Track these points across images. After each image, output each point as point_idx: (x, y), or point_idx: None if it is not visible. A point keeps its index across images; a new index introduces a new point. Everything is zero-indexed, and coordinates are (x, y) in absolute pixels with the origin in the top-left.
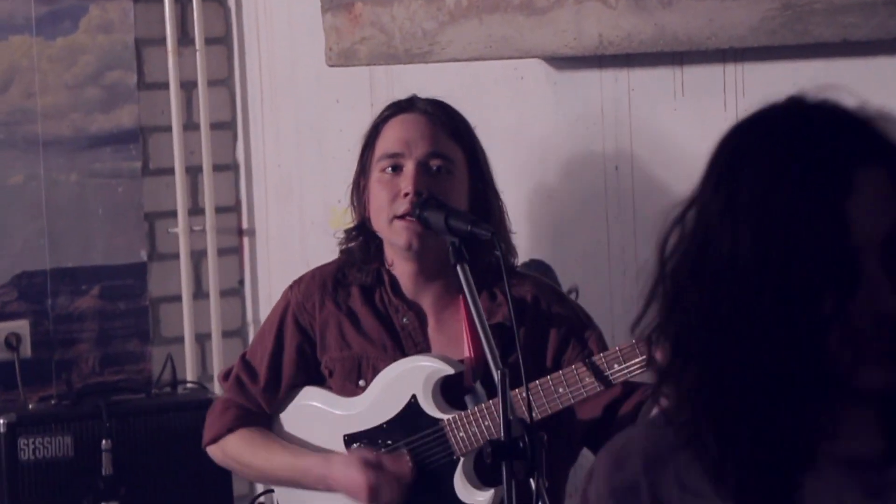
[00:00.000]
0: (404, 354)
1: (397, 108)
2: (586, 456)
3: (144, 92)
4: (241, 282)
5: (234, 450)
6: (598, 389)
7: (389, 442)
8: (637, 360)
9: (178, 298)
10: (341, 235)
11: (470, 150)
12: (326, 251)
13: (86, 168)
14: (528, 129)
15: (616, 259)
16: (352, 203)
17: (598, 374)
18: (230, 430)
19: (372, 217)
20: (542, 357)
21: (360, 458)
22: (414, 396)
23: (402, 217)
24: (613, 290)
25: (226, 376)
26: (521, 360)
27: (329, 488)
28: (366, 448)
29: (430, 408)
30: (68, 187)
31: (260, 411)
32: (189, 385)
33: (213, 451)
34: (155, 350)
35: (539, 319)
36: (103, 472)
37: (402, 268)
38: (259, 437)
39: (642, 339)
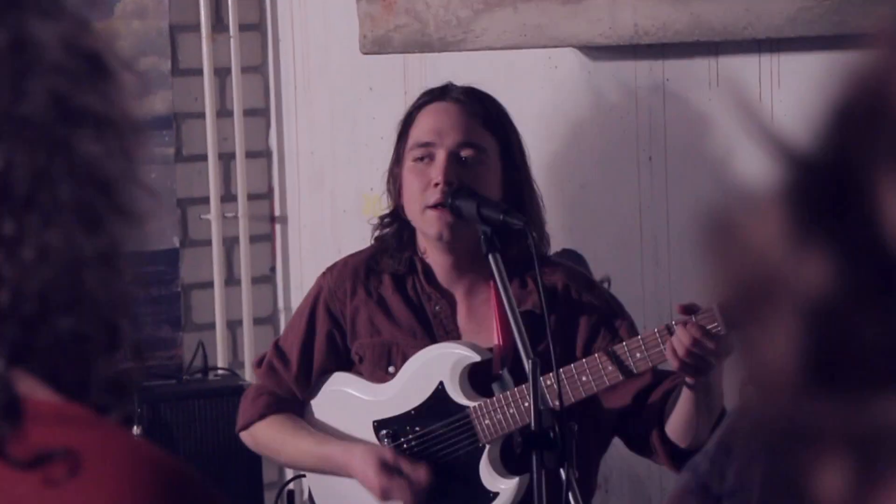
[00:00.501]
0: (434, 342)
1: (431, 96)
2: (616, 445)
3: (178, 78)
4: (273, 269)
5: (265, 437)
6: (620, 378)
7: (417, 428)
8: (659, 348)
9: (210, 285)
10: (375, 222)
11: (503, 138)
12: (358, 239)
13: None
14: (562, 118)
15: (648, 249)
16: (388, 190)
17: (619, 362)
18: (261, 417)
19: (405, 205)
20: (571, 345)
21: (379, 460)
22: (441, 383)
23: (433, 207)
24: (645, 280)
25: (259, 363)
26: (551, 348)
27: (351, 476)
28: (391, 449)
29: (456, 394)
30: None
31: (292, 398)
32: (220, 372)
33: (246, 438)
34: (186, 336)
35: (570, 308)
36: None
37: (434, 257)
38: (288, 423)
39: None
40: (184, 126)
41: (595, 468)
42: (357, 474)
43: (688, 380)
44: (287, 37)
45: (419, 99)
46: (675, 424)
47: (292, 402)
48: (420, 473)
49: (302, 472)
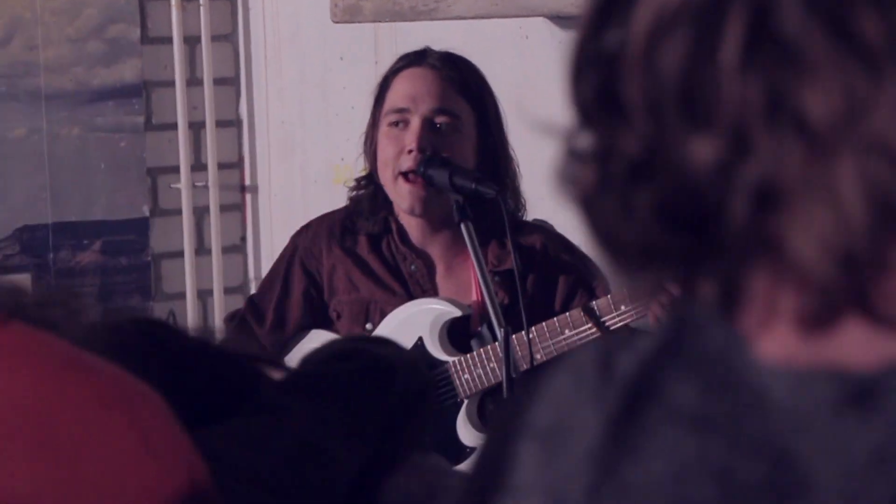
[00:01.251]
0: (412, 299)
1: (408, 61)
2: None
3: (147, 46)
4: (244, 238)
5: None
6: (608, 328)
7: None
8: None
9: (181, 254)
10: (352, 184)
11: (480, 105)
12: (328, 208)
13: (88, 122)
14: (533, 88)
15: None
16: (364, 153)
17: (604, 315)
18: None
19: (378, 171)
20: (551, 304)
21: None
22: (420, 339)
23: (406, 176)
24: None
25: (231, 318)
26: (522, 306)
27: None
28: None
29: (436, 350)
30: (70, 141)
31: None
32: None
33: None
34: (157, 306)
35: (548, 267)
36: None
37: (408, 219)
38: None
39: None
40: (154, 94)
41: None
42: None
43: None
44: (257, 5)
45: (396, 62)
46: None
47: None
48: None
49: None
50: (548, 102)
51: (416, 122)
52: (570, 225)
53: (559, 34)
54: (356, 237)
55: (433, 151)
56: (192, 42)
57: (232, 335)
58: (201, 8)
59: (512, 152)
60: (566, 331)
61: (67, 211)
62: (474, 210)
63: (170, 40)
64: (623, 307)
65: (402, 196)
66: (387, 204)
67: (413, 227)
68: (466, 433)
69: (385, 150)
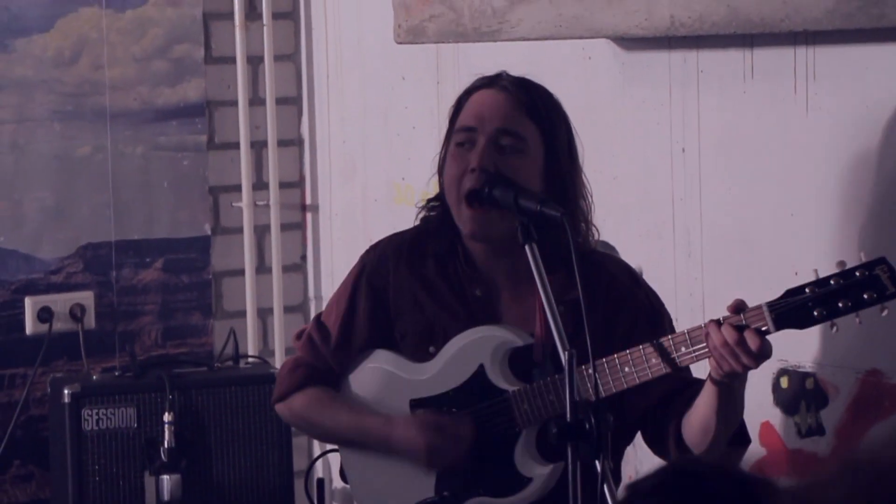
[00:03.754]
0: (476, 324)
1: (481, 83)
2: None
3: (211, 66)
4: (304, 257)
5: (301, 408)
6: (664, 371)
7: (454, 409)
8: (704, 344)
9: (241, 273)
10: (422, 203)
11: (549, 130)
12: (389, 228)
13: (151, 141)
14: (595, 109)
15: (681, 241)
16: (438, 172)
17: (664, 355)
18: (298, 388)
19: (445, 190)
20: (612, 337)
21: (422, 420)
22: (482, 366)
23: (469, 203)
24: (678, 271)
25: (299, 336)
26: (588, 337)
27: (390, 449)
28: (429, 412)
29: (496, 378)
30: (134, 160)
31: (329, 371)
32: (251, 359)
33: (281, 410)
34: (217, 324)
35: (613, 300)
36: (165, 445)
37: (473, 243)
38: (326, 395)
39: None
40: (216, 114)
41: (620, 459)
42: (400, 442)
43: (714, 380)
44: (320, 25)
45: (471, 84)
46: (692, 426)
47: (329, 375)
48: (464, 427)
49: (330, 449)
50: (610, 124)
51: (481, 142)
52: (631, 245)
53: (622, 56)
54: (424, 258)
55: (496, 171)
56: (255, 62)
57: (300, 354)
58: (264, 28)
59: (586, 181)
60: (626, 368)
61: (130, 229)
62: (541, 235)
63: (233, 60)
64: (683, 349)
65: (463, 221)
66: (455, 226)
67: (478, 250)
68: (524, 463)
69: (451, 168)
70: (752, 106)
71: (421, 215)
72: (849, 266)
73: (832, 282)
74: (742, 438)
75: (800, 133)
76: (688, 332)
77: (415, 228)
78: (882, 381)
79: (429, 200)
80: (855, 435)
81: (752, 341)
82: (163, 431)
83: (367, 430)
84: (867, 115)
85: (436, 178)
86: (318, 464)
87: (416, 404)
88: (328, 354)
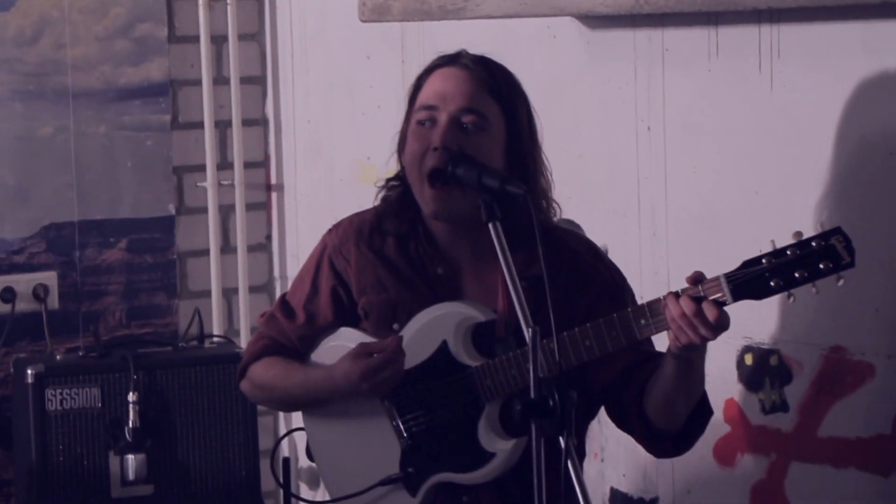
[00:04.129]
0: (439, 302)
1: (442, 61)
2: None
3: (175, 45)
4: (269, 237)
5: (258, 376)
6: (624, 343)
7: (419, 386)
8: (663, 316)
9: (206, 253)
10: (381, 183)
11: (510, 109)
12: (354, 207)
13: (115, 121)
14: (560, 87)
15: (646, 219)
16: (397, 152)
17: (624, 328)
18: (257, 358)
19: (406, 169)
20: (574, 312)
21: (351, 353)
22: (445, 342)
23: (432, 182)
24: (643, 250)
25: (263, 314)
26: (551, 312)
27: (340, 393)
28: (357, 343)
29: (459, 354)
30: (97, 139)
31: (292, 346)
32: (216, 339)
33: (244, 386)
34: (182, 304)
35: (575, 276)
36: (130, 424)
37: (435, 222)
38: (281, 361)
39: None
40: (180, 93)
41: (584, 434)
42: (341, 381)
43: (673, 353)
44: (284, 4)
45: (431, 63)
46: (653, 400)
47: (291, 349)
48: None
49: (297, 428)
50: (575, 102)
51: (443, 120)
52: (596, 224)
53: (587, 34)
54: (385, 238)
55: (459, 150)
56: (219, 41)
57: (263, 330)
58: (228, 7)
59: (545, 159)
60: (587, 341)
61: (94, 209)
62: (503, 212)
63: (197, 39)
64: (643, 321)
65: (426, 201)
66: (415, 205)
67: (440, 229)
68: (487, 438)
69: (412, 147)
70: (717, 84)
71: (380, 195)
72: (805, 237)
73: (788, 252)
74: (704, 410)
75: (764, 110)
76: (647, 305)
77: (375, 208)
78: (845, 358)
79: (388, 180)
80: (819, 411)
81: (709, 312)
82: (127, 411)
83: (316, 385)
84: (831, 92)
85: (395, 156)
86: (284, 443)
87: None
88: (292, 333)
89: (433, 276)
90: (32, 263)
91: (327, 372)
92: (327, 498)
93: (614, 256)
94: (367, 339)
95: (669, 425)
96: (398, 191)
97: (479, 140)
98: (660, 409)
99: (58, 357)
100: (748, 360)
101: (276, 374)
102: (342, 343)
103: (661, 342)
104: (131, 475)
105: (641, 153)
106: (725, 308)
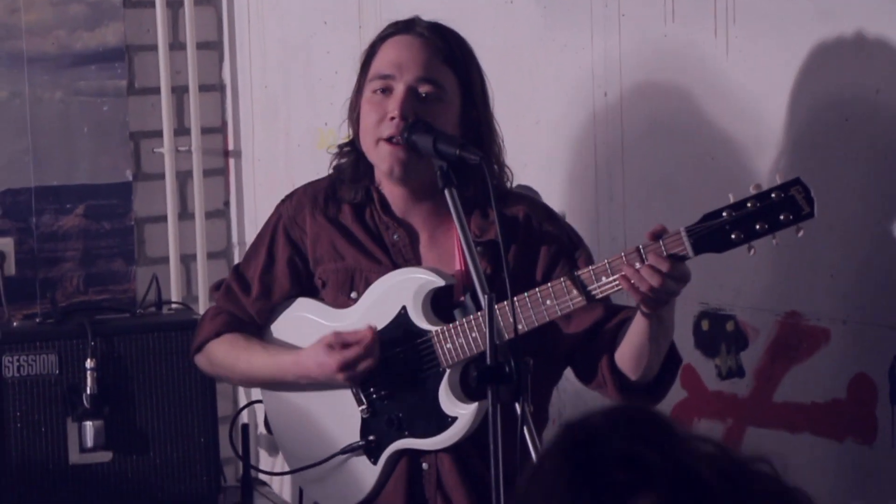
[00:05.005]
0: (396, 268)
1: (396, 29)
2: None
3: (130, 10)
4: (227, 203)
5: (218, 354)
6: (584, 302)
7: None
8: (623, 273)
9: (164, 219)
10: (335, 151)
11: (465, 78)
12: (312, 173)
13: (70, 86)
14: (517, 53)
15: (603, 184)
16: (348, 118)
17: (584, 286)
18: (217, 335)
19: (360, 136)
20: (532, 274)
21: (324, 343)
22: (404, 308)
23: (388, 140)
24: (600, 215)
25: (217, 287)
26: (507, 275)
27: (308, 380)
28: (330, 332)
29: (419, 319)
30: (53, 105)
31: (251, 321)
32: (174, 305)
33: (199, 360)
34: (140, 270)
35: (530, 238)
36: (87, 391)
37: (389, 188)
38: (242, 340)
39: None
40: (136, 58)
41: (547, 400)
42: (313, 370)
43: (643, 310)
44: None
45: (384, 30)
46: (626, 355)
47: (249, 324)
48: (363, 332)
49: (256, 400)
50: (532, 68)
51: (399, 90)
52: (554, 192)
53: (543, 0)
54: (339, 206)
55: (416, 119)
56: (174, 6)
57: (220, 304)
58: None
59: (497, 127)
60: (547, 301)
61: (50, 175)
62: (458, 178)
63: (152, 4)
64: (604, 278)
65: (381, 158)
66: (369, 172)
67: (395, 196)
68: (448, 403)
69: (367, 116)
70: (672, 49)
71: (333, 163)
72: (765, 188)
73: (749, 204)
74: (674, 358)
75: (720, 75)
76: (608, 262)
77: (328, 177)
78: (800, 323)
79: (340, 146)
80: (774, 376)
81: (674, 270)
82: (85, 378)
83: (281, 368)
84: (786, 58)
85: (346, 123)
86: (242, 403)
87: None
88: (249, 305)
89: (389, 242)
90: None
91: (296, 357)
92: (287, 467)
93: (572, 222)
94: (325, 308)
95: (643, 377)
96: (351, 158)
97: (436, 109)
98: (633, 363)
99: (14, 324)
100: (705, 325)
101: (238, 354)
102: (302, 314)
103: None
104: (89, 442)
105: (598, 119)
106: (686, 262)
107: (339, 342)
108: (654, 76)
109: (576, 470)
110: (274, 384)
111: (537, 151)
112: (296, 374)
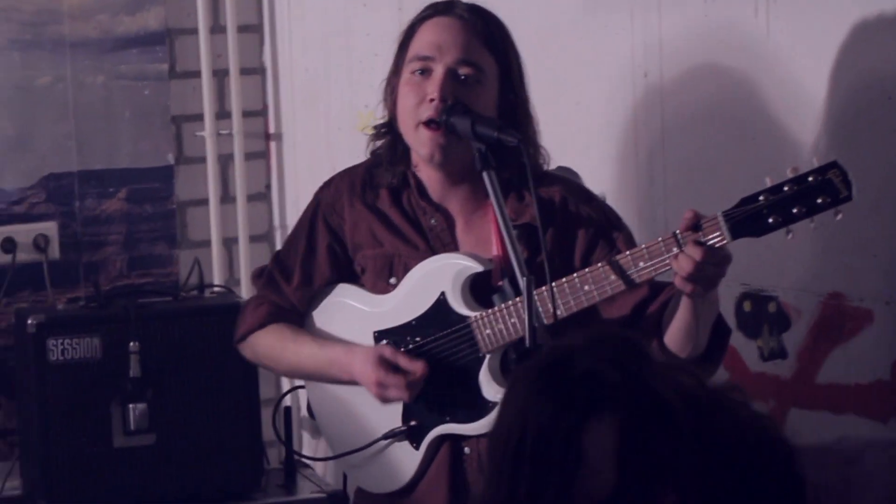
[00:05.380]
0: (434, 254)
1: (435, 10)
2: None
3: None
4: (269, 186)
5: (264, 345)
6: (623, 287)
7: (418, 339)
8: (663, 257)
9: (205, 202)
10: (371, 132)
11: (503, 59)
12: (353, 155)
13: (112, 70)
14: (557, 35)
15: (643, 166)
16: (384, 100)
17: (623, 271)
18: (261, 326)
19: (398, 118)
20: (570, 257)
21: (378, 355)
22: (443, 293)
23: (427, 125)
24: (640, 196)
25: (258, 275)
26: (545, 260)
27: (352, 379)
28: (390, 346)
29: (458, 305)
30: (95, 89)
31: (293, 309)
32: (216, 289)
33: (244, 349)
34: (182, 254)
35: (568, 220)
36: (131, 374)
37: (427, 172)
38: (288, 331)
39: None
40: (177, 42)
41: None
42: (357, 373)
43: (688, 293)
44: None
45: (423, 11)
46: (674, 334)
47: (293, 312)
48: (417, 367)
49: (298, 385)
50: (572, 49)
51: (439, 71)
52: (596, 174)
53: None
54: (377, 191)
55: (455, 101)
56: None
57: (262, 293)
58: None
59: (532, 111)
60: (586, 286)
61: (93, 159)
62: (495, 161)
63: None
64: (642, 263)
65: (422, 143)
66: (405, 156)
67: (432, 180)
68: (489, 388)
69: (406, 97)
70: (713, 29)
71: (370, 147)
72: (802, 171)
73: (786, 188)
74: (722, 330)
75: (760, 55)
76: (646, 247)
77: (366, 162)
78: (843, 304)
79: (377, 128)
80: (817, 357)
81: (713, 257)
82: (128, 361)
83: (329, 361)
84: (827, 36)
85: (383, 104)
86: (285, 388)
87: (379, 335)
88: (290, 293)
89: (427, 227)
90: (32, 214)
91: (346, 356)
92: (329, 452)
93: (612, 203)
94: (365, 294)
95: (693, 352)
96: (388, 140)
97: (475, 91)
98: (682, 343)
99: (58, 307)
100: (747, 306)
101: (285, 346)
102: (343, 300)
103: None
104: (133, 425)
105: (638, 100)
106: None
107: (392, 363)
108: (694, 57)
109: (544, 384)
110: (318, 376)
111: (577, 133)
112: (341, 371)
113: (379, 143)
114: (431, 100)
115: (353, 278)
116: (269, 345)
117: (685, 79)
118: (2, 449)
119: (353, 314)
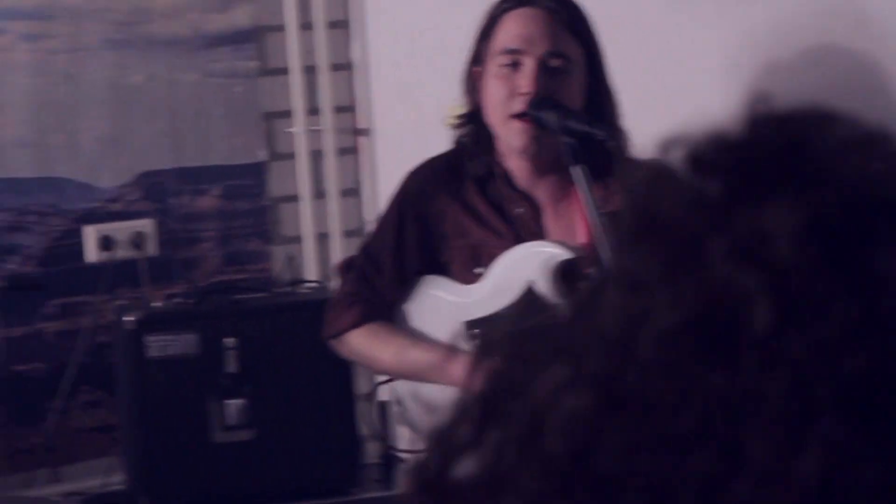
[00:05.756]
0: (521, 242)
1: (518, 1)
2: None
3: None
4: (358, 181)
5: (362, 345)
6: None
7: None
8: None
9: (297, 198)
10: (454, 122)
11: (589, 48)
12: (444, 149)
13: (204, 68)
14: (644, 23)
15: None
16: (465, 90)
17: None
18: (355, 326)
19: (488, 111)
20: None
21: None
22: (531, 282)
23: (518, 117)
24: None
25: (346, 268)
26: None
27: (451, 383)
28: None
29: (547, 293)
30: (187, 87)
31: (384, 304)
32: (310, 284)
33: (338, 346)
34: (276, 249)
35: None
36: (228, 370)
37: (515, 162)
38: (383, 331)
39: None
40: (267, 39)
41: None
42: (458, 379)
43: None
44: None
45: (505, 1)
46: None
47: (385, 307)
48: None
49: (391, 378)
50: (658, 39)
51: (530, 65)
52: None
53: None
54: (462, 181)
55: (544, 95)
56: None
57: (353, 288)
58: None
59: (614, 93)
60: None
61: (187, 156)
62: (584, 154)
63: None
64: None
65: (514, 135)
66: (490, 145)
67: (520, 169)
68: None
69: (495, 91)
70: (803, 17)
71: (454, 137)
72: None
73: None
74: None
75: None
76: None
77: (451, 152)
78: None
79: (459, 118)
80: None
81: None
82: (225, 357)
83: (430, 365)
84: None
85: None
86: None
87: (469, 326)
88: (382, 287)
89: (514, 216)
90: (129, 211)
91: (443, 362)
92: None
93: None
94: (453, 285)
95: None
96: (472, 130)
97: (565, 82)
98: None
99: (156, 304)
100: None
101: (385, 347)
102: (433, 292)
103: None
104: (232, 420)
105: (730, 89)
106: None
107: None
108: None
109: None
110: (419, 377)
111: (665, 122)
112: (441, 376)
113: (462, 131)
114: (523, 93)
115: (441, 269)
116: (366, 346)
117: (773, 69)
118: (105, 444)
119: (443, 305)
